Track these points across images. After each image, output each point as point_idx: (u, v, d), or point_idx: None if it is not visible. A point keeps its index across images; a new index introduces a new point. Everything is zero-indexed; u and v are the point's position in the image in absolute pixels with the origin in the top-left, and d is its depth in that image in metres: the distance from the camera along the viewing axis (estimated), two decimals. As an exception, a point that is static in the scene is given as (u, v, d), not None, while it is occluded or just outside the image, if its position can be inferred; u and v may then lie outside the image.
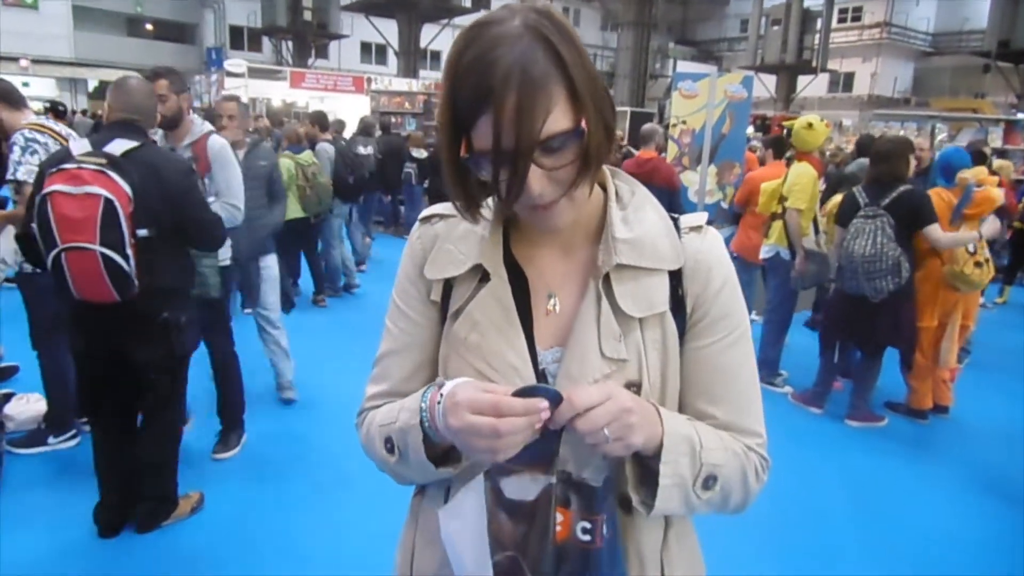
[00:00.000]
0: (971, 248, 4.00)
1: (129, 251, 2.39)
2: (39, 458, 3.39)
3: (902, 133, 11.95)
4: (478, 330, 0.91)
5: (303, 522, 3.01)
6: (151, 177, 2.47)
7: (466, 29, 0.80)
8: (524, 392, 0.78)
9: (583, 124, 0.79)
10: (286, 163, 5.56)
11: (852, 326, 4.18)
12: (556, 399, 0.78)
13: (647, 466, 0.88)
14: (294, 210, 5.61)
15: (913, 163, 4.16)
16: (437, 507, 0.97)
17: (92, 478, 2.81)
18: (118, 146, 2.46)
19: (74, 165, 2.36)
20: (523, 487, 0.80)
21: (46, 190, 2.34)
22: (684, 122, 7.54)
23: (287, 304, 4.51)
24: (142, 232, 2.44)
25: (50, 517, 2.93)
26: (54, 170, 2.37)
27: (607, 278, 0.90)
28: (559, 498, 0.80)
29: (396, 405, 0.94)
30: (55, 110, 11.38)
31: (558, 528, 0.80)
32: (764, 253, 4.95)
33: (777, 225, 4.78)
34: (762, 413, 0.97)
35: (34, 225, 2.41)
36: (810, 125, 4.76)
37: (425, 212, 1.02)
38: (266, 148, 4.23)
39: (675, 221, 0.96)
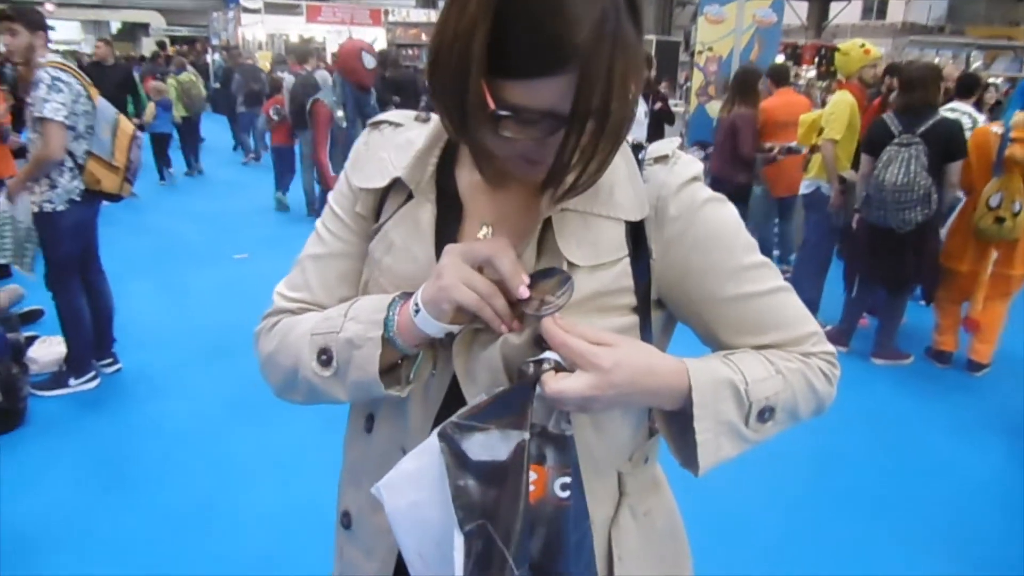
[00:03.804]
0: (992, 203, 3.82)
1: None
2: (61, 400, 3.44)
3: (937, 61, 11.43)
4: (392, 253, 0.82)
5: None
6: None
7: None
8: (538, 273, 0.74)
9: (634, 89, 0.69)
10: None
11: (876, 260, 4.04)
12: (565, 283, 0.72)
13: (681, 423, 0.78)
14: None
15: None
16: (359, 441, 0.92)
17: (112, 421, 2.82)
18: None
19: None
20: (492, 446, 0.70)
21: None
22: (711, 49, 7.28)
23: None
24: None
25: (73, 460, 2.97)
26: None
27: (549, 222, 0.78)
28: (533, 455, 0.70)
29: (334, 313, 0.82)
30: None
31: (532, 488, 0.69)
32: (804, 188, 4.76)
33: (816, 158, 4.58)
34: (806, 309, 0.86)
35: None
36: (863, 46, 4.73)
37: (376, 118, 0.91)
38: None
39: (641, 149, 0.83)
